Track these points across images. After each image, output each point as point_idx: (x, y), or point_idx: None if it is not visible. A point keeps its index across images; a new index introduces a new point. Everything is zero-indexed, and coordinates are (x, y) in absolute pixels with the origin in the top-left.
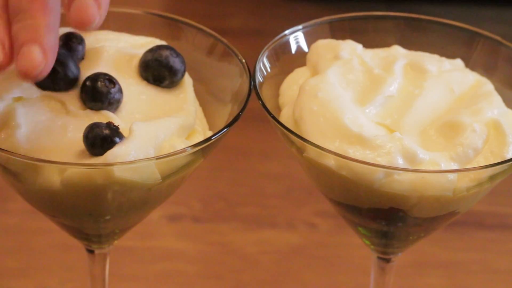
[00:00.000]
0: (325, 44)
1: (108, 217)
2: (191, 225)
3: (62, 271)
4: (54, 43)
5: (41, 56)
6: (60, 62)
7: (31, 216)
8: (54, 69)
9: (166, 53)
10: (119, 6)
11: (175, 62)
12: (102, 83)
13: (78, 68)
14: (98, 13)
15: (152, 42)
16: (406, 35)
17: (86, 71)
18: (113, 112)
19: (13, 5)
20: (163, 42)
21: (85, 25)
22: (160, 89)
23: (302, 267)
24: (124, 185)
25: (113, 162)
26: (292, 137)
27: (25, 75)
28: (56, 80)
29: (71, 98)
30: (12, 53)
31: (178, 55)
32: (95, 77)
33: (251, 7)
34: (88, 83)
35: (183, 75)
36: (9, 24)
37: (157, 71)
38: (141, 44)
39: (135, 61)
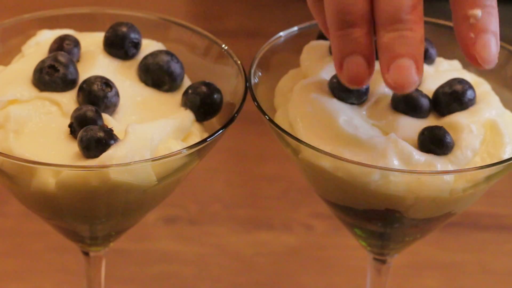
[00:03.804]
0: (318, 45)
1: (103, 220)
2: (187, 227)
3: (58, 274)
4: (422, 58)
5: (416, 73)
6: (60, 62)
7: (27, 218)
8: (54, 68)
9: (167, 58)
10: (115, 8)
11: (176, 68)
12: (99, 87)
13: (77, 70)
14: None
15: (148, 44)
16: None
17: (82, 73)
18: (110, 115)
19: (386, 12)
20: (160, 44)
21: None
22: (157, 92)
23: (299, 269)
24: (120, 187)
25: (109, 164)
26: (287, 139)
27: (400, 88)
28: (55, 79)
29: (68, 100)
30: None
31: (178, 61)
32: (92, 80)
33: (246, 8)
34: (85, 86)
35: (181, 81)
36: (371, 32)
37: (157, 76)
38: None
39: (133, 63)
